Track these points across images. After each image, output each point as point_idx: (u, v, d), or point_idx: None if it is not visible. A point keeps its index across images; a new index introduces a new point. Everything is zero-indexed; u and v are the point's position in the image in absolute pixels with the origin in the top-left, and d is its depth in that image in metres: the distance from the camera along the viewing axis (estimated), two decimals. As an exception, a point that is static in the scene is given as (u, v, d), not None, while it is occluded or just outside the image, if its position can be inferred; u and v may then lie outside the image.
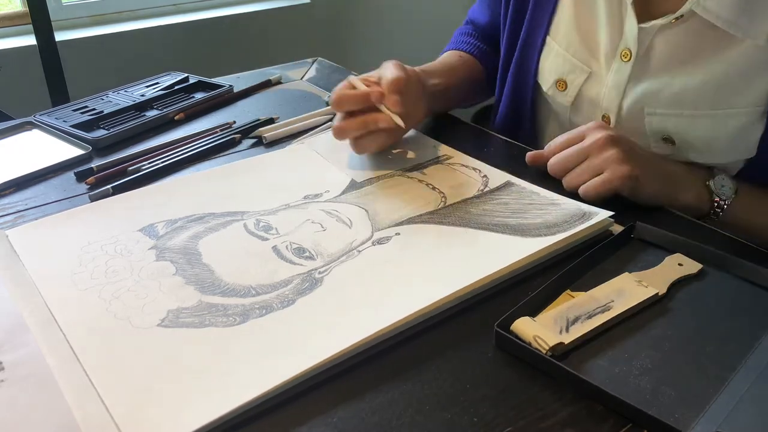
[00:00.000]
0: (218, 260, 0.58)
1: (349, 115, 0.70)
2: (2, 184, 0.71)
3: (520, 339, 0.48)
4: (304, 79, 1.02)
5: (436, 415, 0.44)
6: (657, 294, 0.53)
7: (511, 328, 0.49)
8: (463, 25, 1.00)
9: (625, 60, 0.72)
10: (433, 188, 0.69)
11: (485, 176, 0.71)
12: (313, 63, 1.09)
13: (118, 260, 0.58)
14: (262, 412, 0.44)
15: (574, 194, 0.66)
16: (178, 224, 0.63)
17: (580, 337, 0.49)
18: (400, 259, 0.58)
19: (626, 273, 0.55)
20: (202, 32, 2.18)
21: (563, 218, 0.62)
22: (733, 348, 0.48)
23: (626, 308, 0.51)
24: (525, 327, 0.49)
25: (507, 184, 0.69)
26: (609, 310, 0.51)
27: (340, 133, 0.70)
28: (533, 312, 0.51)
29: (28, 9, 1.59)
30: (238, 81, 0.99)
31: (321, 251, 0.59)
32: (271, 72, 1.03)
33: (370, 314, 0.51)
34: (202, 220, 0.64)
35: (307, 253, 0.58)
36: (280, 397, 0.45)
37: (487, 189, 0.68)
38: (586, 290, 0.53)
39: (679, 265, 0.56)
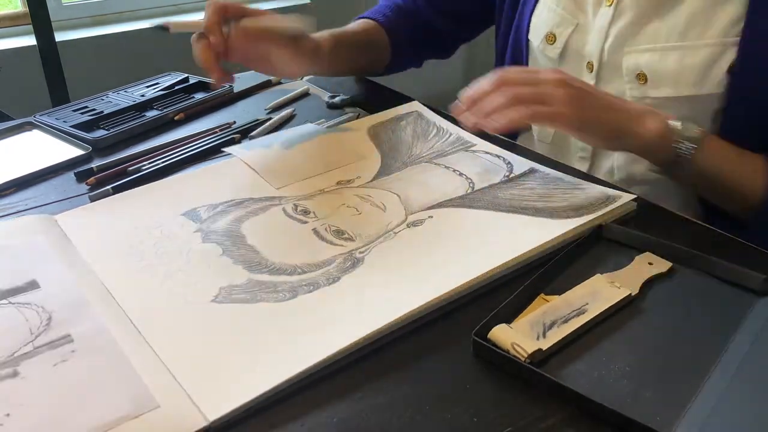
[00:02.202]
0: (262, 242, 0.60)
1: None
2: (2, 184, 0.71)
3: (498, 347, 0.48)
4: (304, 79, 1.02)
5: (436, 415, 0.44)
6: (630, 294, 0.53)
7: (489, 336, 0.49)
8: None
9: (608, 4, 0.76)
10: (460, 174, 0.70)
11: (509, 163, 0.73)
12: (313, 63, 1.08)
13: (166, 243, 0.60)
14: (262, 412, 0.44)
15: (593, 179, 0.68)
16: (219, 209, 0.65)
17: (557, 342, 0.48)
18: (437, 240, 0.60)
19: (598, 274, 0.55)
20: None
21: (588, 201, 0.64)
22: (706, 347, 0.48)
23: (601, 311, 0.51)
24: (502, 334, 0.48)
25: (531, 171, 0.71)
26: (584, 313, 0.51)
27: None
28: (509, 318, 0.51)
29: (28, 9, 1.59)
30: (238, 81, 0.98)
31: (359, 233, 0.61)
32: (271, 72, 1.03)
33: (413, 290, 0.53)
34: (242, 204, 0.66)
35: (346, 235, 0.61)
36: (279, 396, 0.45)
37: (512, 175, 0.70)
38: (559, 293, 0.53)
39: (649, 264, 0.57)
